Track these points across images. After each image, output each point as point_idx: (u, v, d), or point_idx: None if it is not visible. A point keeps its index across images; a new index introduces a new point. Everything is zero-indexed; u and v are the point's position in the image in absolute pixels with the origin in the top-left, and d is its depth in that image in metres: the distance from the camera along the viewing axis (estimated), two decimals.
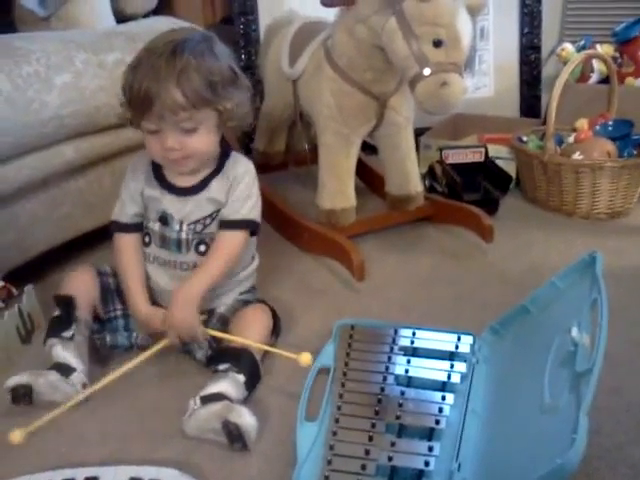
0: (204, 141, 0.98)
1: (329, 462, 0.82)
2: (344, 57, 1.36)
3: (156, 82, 0.91)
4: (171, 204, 1.04)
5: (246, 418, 0.86)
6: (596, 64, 2.04)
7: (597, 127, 1.69)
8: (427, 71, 1.18)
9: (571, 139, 1.68)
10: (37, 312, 1.16)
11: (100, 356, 1.07)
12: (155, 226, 1.06)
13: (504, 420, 0.83)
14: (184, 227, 1.04)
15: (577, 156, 1.60)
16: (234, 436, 0.85)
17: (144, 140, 1.00)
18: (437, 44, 1.18)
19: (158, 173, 1.06)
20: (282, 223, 1.57)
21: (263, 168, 1.75)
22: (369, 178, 1.75)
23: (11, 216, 1.20)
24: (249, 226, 1.05)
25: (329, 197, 1.44)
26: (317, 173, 1.47)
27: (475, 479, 0.77)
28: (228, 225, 1.03)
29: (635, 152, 1.64)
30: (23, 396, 0.94)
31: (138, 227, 1.08)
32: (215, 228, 1.04)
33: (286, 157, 1.83)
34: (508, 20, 2.19)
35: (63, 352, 0.99)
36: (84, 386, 0.97)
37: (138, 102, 0.93)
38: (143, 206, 1.07)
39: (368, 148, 1.61)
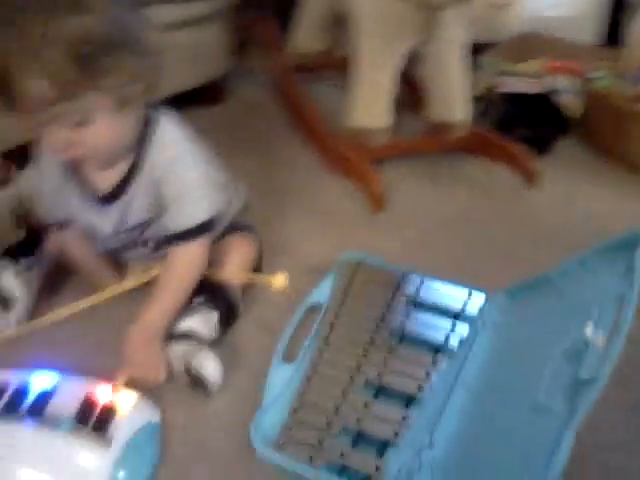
0: (103, 134, 0.72)
1: (294, 411, 0.77)
2: None
3: (5, 70, 0.65)
4: (95, 215, 0.86)
5: (209, 367, 0.80)
6: None
7: None
8: None
9: None
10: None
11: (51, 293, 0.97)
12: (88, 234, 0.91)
13: (492, 405, 0.75)
14: (121, 235, 0.88)
15: None
16: (196, 382, 0.80)
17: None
18: None
19: (74, 164, 0.83)
20: (309, 135, 1.45)
21: (298, 69, 1.62)
22: (414, 93, 1.58)
23: None
24: (202, 231, 0.83)
25: (360, 114, 1.29)
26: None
27: (445, 461, 0.70)
28: (174, 239, 0.83)
29: None
30: None
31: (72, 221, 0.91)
32: (156, 227, 0.86)
33: (326, 59, 1.66)
34: None
35: (12, 280, 0.89)
36: (18, 323, 0.89)
37: None
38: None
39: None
